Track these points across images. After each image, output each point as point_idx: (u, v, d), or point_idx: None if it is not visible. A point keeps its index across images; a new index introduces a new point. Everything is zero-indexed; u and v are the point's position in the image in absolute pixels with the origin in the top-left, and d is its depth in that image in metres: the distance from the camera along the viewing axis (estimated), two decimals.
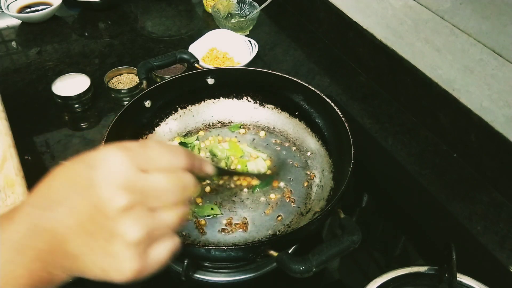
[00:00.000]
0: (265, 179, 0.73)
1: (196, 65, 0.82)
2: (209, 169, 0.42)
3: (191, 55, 0.83)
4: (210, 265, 0.66)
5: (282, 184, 0.74)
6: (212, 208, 0.69)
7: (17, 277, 0.34)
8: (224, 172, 0.67)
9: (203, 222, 0.68)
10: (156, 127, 0.80)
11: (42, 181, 0.35)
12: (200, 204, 0.70)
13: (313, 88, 0.74)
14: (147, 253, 0.35)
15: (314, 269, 0.49)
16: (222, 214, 0.69)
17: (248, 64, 1.00)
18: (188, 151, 0.39)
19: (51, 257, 0.34)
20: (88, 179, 0.33)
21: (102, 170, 0.33)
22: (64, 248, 0.34)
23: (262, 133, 0.82)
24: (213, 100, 0.84)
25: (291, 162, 0.77)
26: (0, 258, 0.33)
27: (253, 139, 0.81)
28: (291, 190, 0.73)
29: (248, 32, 1.15)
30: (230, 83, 0.82)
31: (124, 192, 0.33)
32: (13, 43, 1.13)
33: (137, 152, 0.35)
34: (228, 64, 1.03)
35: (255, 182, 0.73)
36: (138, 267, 0.34)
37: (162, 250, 0.36)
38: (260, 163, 0.76)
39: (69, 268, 0.35)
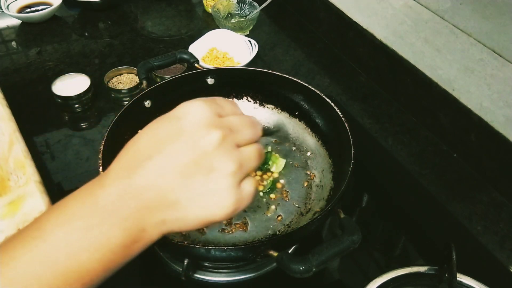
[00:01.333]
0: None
1: (196, 65, 0.82)
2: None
3: (191, 55, 0.83)
4: (210, 265, 0.66)
5: (282, 184, 0.74)
6: None
7: (110, 237, 0.35)
8: None
9: None
10: None
11: (125, 147, 0.39)
12: None
13: (313, 88, 0.74)
14: (240, 185, 0.38)
15: (314, 269, 0.49)
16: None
17: (248, 64, 1.00)
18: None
19: (147, 213, 0.36)
20: (177, 129, 0.37)
21: (188, 118, 0.37)
22: (163, 198, 0.36)
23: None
24: (210, 97, 0.83)
25: (291, 162, 0.77)
26: (93, 220, 0.35)
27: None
28: (290, 191, 0.73)
29: (248, 32, 1.15)
30: (230, 83, 0.82)
31: (215, 128, 0.37)
32: (13, 43, 1.13)
33: (211, 102, 0.39)
34: (228, 64, 1.03)
35: (261, 187, 0.73)
36: (236, 198, 0.37)
37: (250, 183, 0.39)
38: (280, 162, 0.76)
39: (165, 219, 0.37)
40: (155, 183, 0.36)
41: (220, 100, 0.41)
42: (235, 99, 0.84)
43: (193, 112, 0.38)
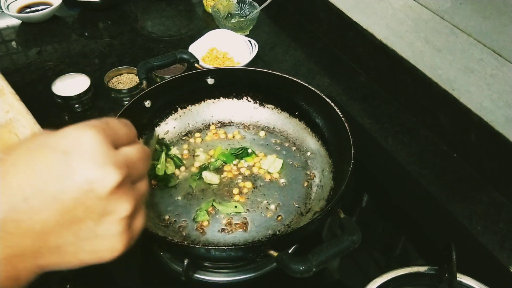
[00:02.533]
0: None
1: (196, 65, 0.82)
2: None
3: (191, 55, 0.83)
4: (210, 265, 0.66)
5: (282, 183, 0.74)
6: (235, 206, 0.70)
7: None
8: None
9: (204, 222, 0.68)
10: (156, 127, 0.80)
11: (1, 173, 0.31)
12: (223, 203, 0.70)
13: (313, 88, 0.74)
14: (132, 224, 0.35)
15: (314, 269, 0.49)
16: (245, 212, 0.69)
17: (248, 64, 1.00)
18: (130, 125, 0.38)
19: (20, 261, 0.32)
20: (65, 166, 0.31)
21: (78, 153, 0.31)
22: (41, 245, 0.32)
23: (262, 133, 0.82)
24: (213, 100, 0.84)
25: (291, 162, 0.77)
26: None
27: (253, 139, 0.81)
28: (291, 191, 0.73)
29: (248, 32, 1.15)
30: (230, 83, 0.82)
31: (114, 169, 0.32)
32: (13, 43, 1.13)
33: (104, 130, 0.33)
34: (228, 64, 1.03)
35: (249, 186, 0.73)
36: (128, 239, 0.34)
37: (141, 219, 0.36)
38: (277, 163, 0.76)
39: (42, 265, 0.33)
40: (33, 231, 0.31)
41: (113, 123, 0.35)
42: (235, 99, 0.84)
43: (84, 144, 0.32)
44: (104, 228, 0.33)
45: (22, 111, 0.60)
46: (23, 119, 0.58)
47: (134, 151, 0.35)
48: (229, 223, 0.68)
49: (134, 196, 0.34)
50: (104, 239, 0.33)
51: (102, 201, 0.32)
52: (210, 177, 0.73)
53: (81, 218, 0.32)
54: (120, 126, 0.36)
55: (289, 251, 0.66)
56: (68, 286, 0.62)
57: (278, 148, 0.79)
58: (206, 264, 0.66)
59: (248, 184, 0.73)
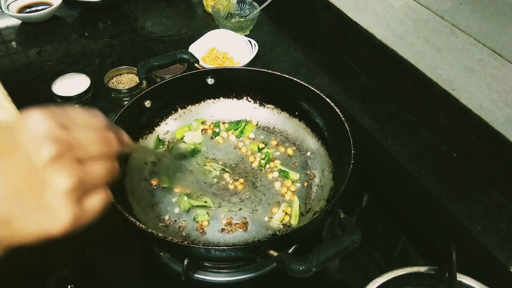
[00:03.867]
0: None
1: (196, 65, 0.82)
2: (126, 137, 0.44)
3: (191, 55, 0.83)
4: (210, 265, 0.66)
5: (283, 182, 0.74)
6: (205, 201, 0.70)
7: None
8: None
9: (204, 222, 0.67)
10: (156, 127, 0.80)
11: None
12: (195, 196, 0.71)
13: (313, 88, 0.74)
14: (82, 202, 0.36)
15: (314, 269, 0.49)
16: (215, 208, 0.70)
17: (248, 64, 1.00)
18: (106, 117, 0.41)
19: None
20: (11, 142, 0.34)
21: (25, 130, 0.34)
22: None
23: (262, 133, 0.82)
24: (213, 100, 0.84)
25: (291, 162, 0.77)
26: None
27: (253, 139, 0.81)
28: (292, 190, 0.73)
29: (248, 32, 1.15)
30: (230, 83, 0.82)
31: (49, 142, 0.34)
32: (13, 43, 1.13)
33: (57, 112, 0.36)
34: (228, 64, 1.03)
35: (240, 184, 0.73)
36: (73, 215, 0.35)
37: (96, 200, 0.38)
38: (196, 135, 0.79)
39: None
40: None
41: (72, 111, 0.38)
42: (235, 99, 0.84)
43: (31, 123, 0.35)
44: (46, 201, 0.34)
45: (12, 113, 0.62)
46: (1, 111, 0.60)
47: (85, 133, 0.37)
48: (229, 223, 0.68)
49: (76, 172, 0.35)
50: (48, 211, 0.35)
51: (39, 174, 0.34)
52: (190, 136, 0.76)
53: (24, 191, 0.34)
54: (78, 113, 0.38)
55: (289, 251, 0.66)
56: (68, 286, 0.62)
57: (278, 149, 0.79)
58: (206, 264, 0.66)
59: (241, 180, 0.73)
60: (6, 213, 0.34)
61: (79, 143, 0.36)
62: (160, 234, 0.53)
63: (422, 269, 0.61)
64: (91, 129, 0.38)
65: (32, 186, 0.34)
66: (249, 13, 1.16)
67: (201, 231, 0.67)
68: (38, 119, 0.35)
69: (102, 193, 0.39)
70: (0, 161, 0.34)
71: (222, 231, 0.67)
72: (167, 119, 0.81)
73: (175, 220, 0.68)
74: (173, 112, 0.81)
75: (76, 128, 0.36)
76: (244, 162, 0.77)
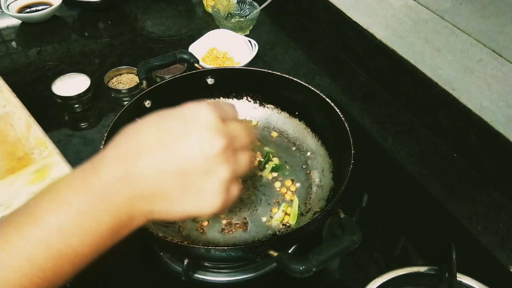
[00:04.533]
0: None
1: (196, 65, 0.82)
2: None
3: (191, 55, 0.83)
4: (210, 265, 0.66)
5: (283, 183, 0.74)
6: None
7: (101, 223, 0.37)
8: None
9: (204, 222, 0.67)
10: None
11: (122, 133, 0.40)
12: None
13: (313, 88, 0.74)
14: (229, 188, 0.41)
15: (314, 269, 0.49)
16: None
17: (248, 64, 1.00)
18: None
19: (138, 202, 0.38)
20: (184, 128, 0.39)
21: (196, 120, 0.39)
22: (156, 190, 0.38)
23: (262, 133, 0.82)
24: (213, 100, 0.84)
25: (291, 162, 0.77)
26: (85, 206, 0.37)
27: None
28: (292, 190, 0.73)
29: (248, 32, 1.15)
30: (230, 83, 0.82)
31: (221, 136, 0.39)
32: (13, 43, 1.13)
33: (216, 107, 0.40)
34: (228, 64, 1.03)
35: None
36: (224, 199, 0.40)
37: (236, 188, 0.42)
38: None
39: (154, 210, 0.39)
40: (151, 176, 0.38)
41: (223, 104, 0.43)
42: (235, 99, 0.84)
43: (201, 115, 0.39)
44: (207, 185, 0.39)
45: (17, 105, 0.67)
46: (18, 112, 0.65)
47: (238, 126, 0.42)
48: (229, 223, 0.68)
49: (234, 164, 0.40)
50: (206, 193, 0.39)
51: (208, 161, 0.38)
52: None
53: (190, 173, 0.38)
54: (227, 106, 0.43)
55: (289, 251, 0.66)
56: (68, 286, 0.62)
57: (278, 149, 0.79)
58: (206, 264, 0.66)
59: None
60: (170, 189, 0.38)
61: (236, 135, 0.41)
62: (160, 234, 0.53)
63: (422, 269, 0.61)
64: (237, 121, 0.42)
65: (198, 170, 0.38)
66: (249, 13, 1.16)
67: (201, 231, 0.67)
68: (207, 111, 0.39)
69: (238, 184, 0.43)
70: (174, 142, 0.38)
71: (222, 231, 0.67)
72: None
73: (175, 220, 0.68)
74: None
75: (229, 122, 0.41)
76: None
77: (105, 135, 0.65)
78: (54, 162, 0.55)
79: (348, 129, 0.66)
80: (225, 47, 1.06)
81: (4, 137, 0.60)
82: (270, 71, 0.78)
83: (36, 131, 0.62)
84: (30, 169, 0.53)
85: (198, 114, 0.39)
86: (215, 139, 0.38)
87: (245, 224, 0.68)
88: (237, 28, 1.11)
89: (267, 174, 0.75)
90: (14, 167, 0.55)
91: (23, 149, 0.59)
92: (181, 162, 0.38)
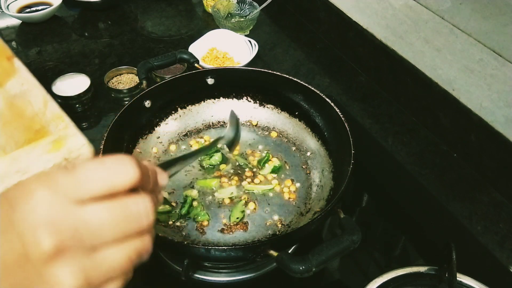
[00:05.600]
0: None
1: (196, 65, 0.82)
2: (163, 179, 0.35)
3: (191, 55, 0.83)
4: (210, 265, 0.66)
5: (282, 182, 0.74)
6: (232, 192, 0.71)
7: None
8: (176, 161, 0.45)
9: (204, 222, 0.67)
10: (156, 127, 0.80)
11: None
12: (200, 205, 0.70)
13: (313, 88, 0.74)
14: None
15: (314, 269, 0.49)
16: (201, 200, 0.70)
17: (248, 64, 1.00)
18: (134, 160, 0.29)
19: None
20: (7, 220, 0.27)
21: (22, 208, 0.27)
22: None
23: (262, 133, 0.82)
24: (213, 100, 0.84)
25: (291, 162, 0.77)
26: None
27: (253, 139, 0.81)
28: (292, 190, 0.73)
29: (248, 32, 1.15)
30: (230, 83, 0.82)
31: (49, 233, 0.26)
32: (13, 43, 1.13)
33: (64, 180, 0.28)
34: (228, 64, 1.03)
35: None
36: None
37: None
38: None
39: None
40: None
41: (84, 170, 0.28)
42: (235, 99, 0.84)
43: (30, 199, 0.27)
44: None
45: (35, 84, 0.70)
46: (36, 90, 0.68)
47: (101, 211, 0.28)
48: (229, 223, 0.68)
49: (86, 267, 0.27)
50: None
51: (38, 269, 0.27)
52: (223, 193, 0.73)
53: (23, 284, 0.27)
54: (94, 170, 0.28)
55: (289, 251, 0.66)
56: None
57: (278, 148, 0.79)
58: (206, 264, 0.66)
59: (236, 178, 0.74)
60: None
61: (92, 226, 0.28)
62: (160, 234, 0.53)
63: (422, 269, 0.61)
64: (110, 200, 0.28)
65: (33, 283, 0.27)
66: (249, 13, 1.16)
67: (201, 231, 0.67)
68: (39, 193, 0.27)
69: (119, 283, 0.31)
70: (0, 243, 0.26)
71: (222, 231, 0.67)
72: (167, 119, 0.81)
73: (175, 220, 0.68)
74: (173, 112, 0.81)
75: (88, 200, 0.28)
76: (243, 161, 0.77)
77: (105, 135, 0.65)
78: (70, 133, 0.57)
79: (348, 129, 0.66)
80: (225, 47, 1.06)
81: (22, 112, 0.63)
82: (270, 71, 0.78)
83: (52, 106, 0.64)
84: (47, 140, 0.55)
85: (29, 197, 0.27)
86: (41, 237, 0.26)
87: (245, 224, 0.68)
88: (237, 28, 1.11)
89: (267, 174, 0.75)
90: (31, 139, 0.57)
91: (40, 123, 0.61)
92: (8, 272, 0.27)
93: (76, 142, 0.55)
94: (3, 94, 0.65)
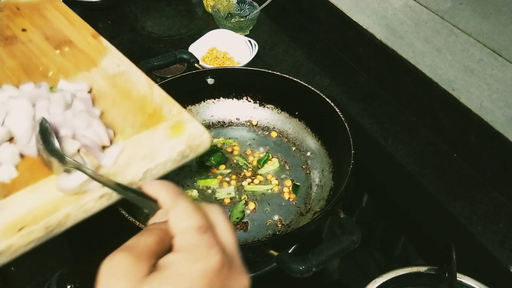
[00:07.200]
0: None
1: (196, 65, 0.82)
2: None
3: (191, 55, 0.83)
4: None
5: (283, 182, 0.74)
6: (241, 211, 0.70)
7: None
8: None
9: None
10: None
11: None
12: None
13: (313, 88, 0.74)
14: None
15: (314, 269, 0.49)
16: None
17: (248, 64, 1.00)
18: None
19: None
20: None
21: (108, 277, 0.31)
22: None
23: (262, 133, 0.82)
24: (213, 100, 0.84)
25: (291, 162, 0.77)
26: None
27: (253, 139, 0.81)
28: (291, 190, 0.73)
29: (248, 32, 1.15)
30: (230, 83, 0.82)
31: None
32: None
33: (133, 248, 0.32)
34: (228, 64, 1.03)
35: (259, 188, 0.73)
36: None
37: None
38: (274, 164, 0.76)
39: None
40: None
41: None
42: (235, 99, 0.84)
43: (113, 269, 0.31)
44: None
45: (132, 64, 0.66)
46: (135, 71, 0.64)
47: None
48: None
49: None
50: None
51: None
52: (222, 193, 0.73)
53: None
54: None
55: (289, 251, 0.66)
56: (68, 286, 0.62)
57: (278, 148, 0.79)
58: None
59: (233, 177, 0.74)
60: None
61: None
62: None
63: (422, 269, 0.61)
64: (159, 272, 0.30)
65: None
66: (249, 13, 1.16)
67: None
68: (119, 263, 0.31)
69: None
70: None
71: None
72: None
73: None
74: None
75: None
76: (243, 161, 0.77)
77: None
78: (186, 119, 0.54)
79: (348, 129, 0.66)
80: (225, 47, 1.06)
81: (128, 94, 0.59)
82: (270, 71, 0.78)
83: (158, 90, 0.61)
84: (164, 125, 0.53)
85: (111, 266, 0.31)
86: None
87: (245, 224, 0.68)
88: (237, 28, 1.11)
89: (267, 174, 0.75)
90: (147, 123, 0.54)
91: (152, 106, 0.57)
92: None
93: (195, 128, 0.51)
94: (101, 73, 0.62)
